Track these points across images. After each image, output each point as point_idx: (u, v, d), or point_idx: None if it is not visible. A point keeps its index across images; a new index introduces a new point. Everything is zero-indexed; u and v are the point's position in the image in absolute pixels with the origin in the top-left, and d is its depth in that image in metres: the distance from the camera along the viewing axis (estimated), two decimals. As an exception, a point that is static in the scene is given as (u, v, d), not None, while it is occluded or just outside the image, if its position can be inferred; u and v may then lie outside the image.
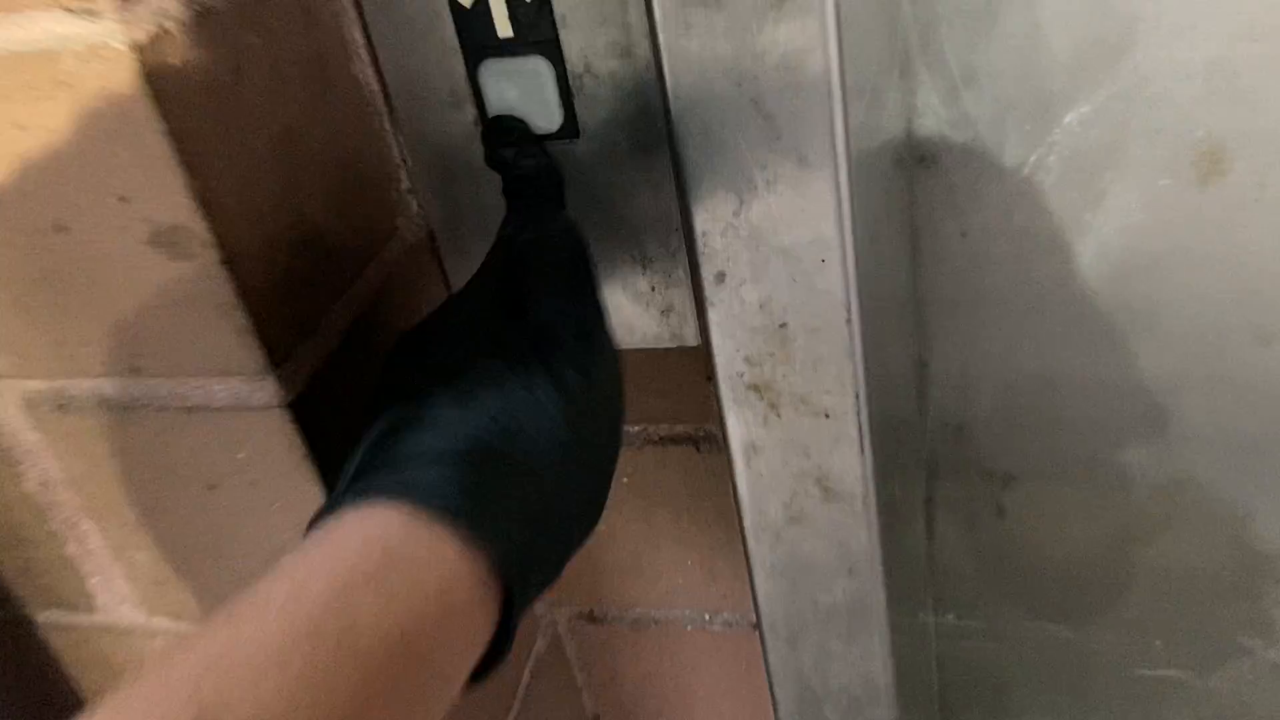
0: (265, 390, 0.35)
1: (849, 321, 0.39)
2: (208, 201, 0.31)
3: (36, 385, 0.37)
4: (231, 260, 0.32)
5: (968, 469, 0.64)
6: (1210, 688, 0.70)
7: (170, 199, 0.31)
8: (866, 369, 0.40)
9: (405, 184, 0.43)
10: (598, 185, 0.41)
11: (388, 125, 0.42)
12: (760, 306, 0.39)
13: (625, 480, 0.52)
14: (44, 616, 0.46)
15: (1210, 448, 0.58)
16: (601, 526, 0.54)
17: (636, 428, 0.50)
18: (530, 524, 0.29)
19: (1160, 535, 0.63)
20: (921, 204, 0.54)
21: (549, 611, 0.58)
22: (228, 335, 0.34)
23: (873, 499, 0.43)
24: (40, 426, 0.38)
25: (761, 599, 0.48)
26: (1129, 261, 0.52)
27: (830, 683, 0.50)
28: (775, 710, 0.53)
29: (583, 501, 0.33)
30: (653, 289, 0.44)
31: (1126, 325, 0.54)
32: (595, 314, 0.35)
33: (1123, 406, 0.57)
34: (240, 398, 0.35)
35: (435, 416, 0.30)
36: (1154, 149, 0.48)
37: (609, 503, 0.52)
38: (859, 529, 0.44)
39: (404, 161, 0.43)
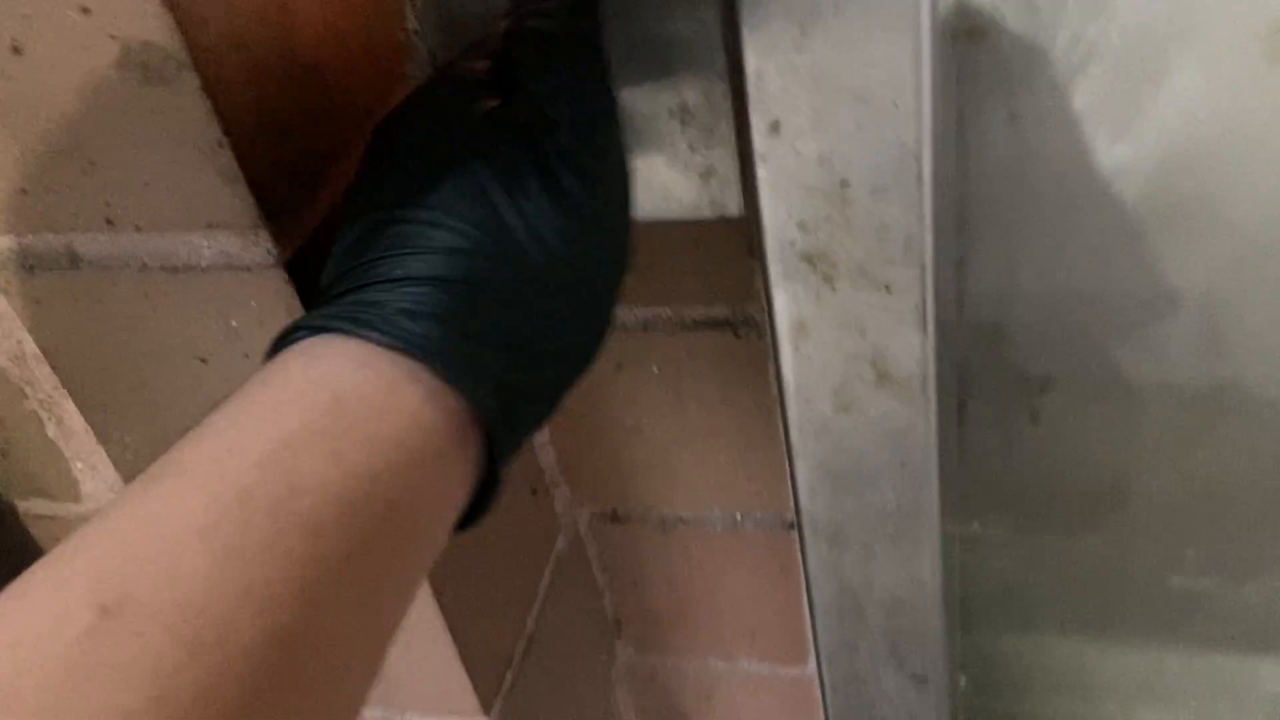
0: (258, 246, 0.31)
1: (920, 179, 0.34)
2: (183, 13, 0.26)
3: (2, 242, 0.33)
4: (214, 89, 0.27)
5: (1003, 373, 0.61)
6: (1243, 598, 0.68)
7: (138, 8, 0.26)
8: (934, 237, 0.36)
9: (413, 24, 0.38)
10: (628, 18, 0.36)
11: (393, -45, 0.37)
12: (819, 162, 0.34)
13: (655, 370, 0.48)
14: (26, 506, 0.42)
15: (1257, 355, 0.54)
16: (628, 420, 0.51)
17: (668, 311, 0.46)
18: (514, 360, 0.25)
19: (1199, 444, 0.60)
20: (968, 83, 0.49)
21: (569, 510, 0.55)
22: (212, 179, 0.29)
23: (933, 384, 0.39)
24: (8, 290, 0.34)
25: (803, 496, 0.44)
26: (1188, 151, 0.48)
27: (874, 585, 0.47)
28: (811, 614, 0.50)
29: (578, 332, 0.28)
30: (691, 148, 0.39)
31: (1180, 223, 0.50)
32: (602, 101, 0.29)
33: (1170, 310, 0.54)
34: (230, 255, 0.31)
35: (404, 234, 0.25)
36: (1222, 24, 0.43)
37: (637, 394, 0.49)
38: (916, 417, 0.40)
39: (413, 2, 0.38)
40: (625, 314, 0.46)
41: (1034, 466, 0.65)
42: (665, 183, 0.40)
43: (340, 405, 0.22)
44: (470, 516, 0.26)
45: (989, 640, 0.75)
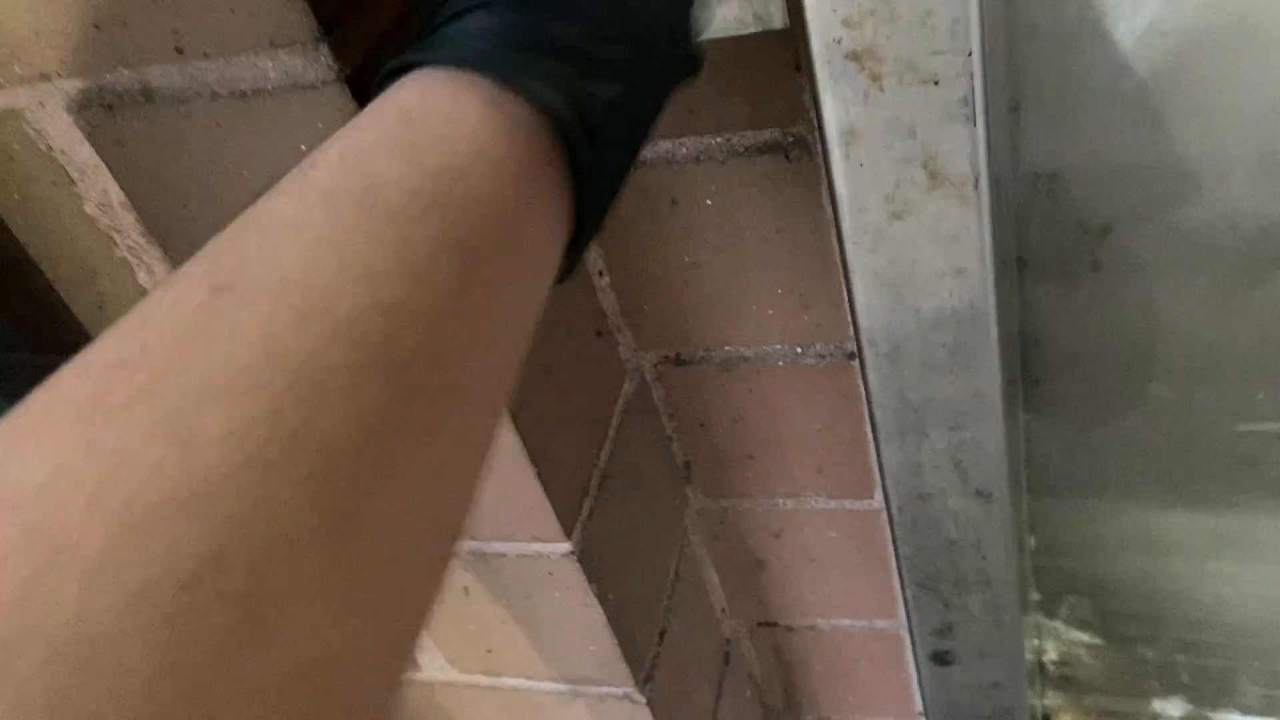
0: (319, 63, 0.32)
1: (963, -40, 0.34)
2: None
3: (79, 84, 0.34)
4: (267, -101, 0.29)
5: (1061, 223, 0.60)
6: (1315, 440, 0.67)
7: None
8: (980, 23, 0.36)
9: None
10: None
11: None
12: (861, -50, 0.34)
13: (709, 203, 0.49)
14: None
15: (1332, 183, 0.53)
16: (685, 257, 0.52)
17: (718, 139, 0.46)
18: (579, 68, 0.25)
19: (1267, 281, 0.59)
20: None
21: (634, 356, 0.57)
22: (272, -4, 0.30)
23: (985, 181, 0.40)
24: (92, 136, 0.36)
25: (860, 313, 0.45)
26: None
27: (935, 400, 0.48)
28: (875, 435, 0.51)
29: (639, 44, 0.27)
30: (733, -40, 0.39)
31: (1245, 46, 0.49)
32: None
33: (1235, 138, 0.52)
34: (294, 74, 0.32)
35: None
36: None
37: (691, 229, 0.50)
38: (969, 218, 0.40)
39: None
40: (675, 147, 0.47)
41: (1096, 317, 0.64)
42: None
43: (408, 117, 0.23)
44: (581, 238, 0.27)
45: (1055, 501, 0.75)
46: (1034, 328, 0.65)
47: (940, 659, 0.62)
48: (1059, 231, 0.61)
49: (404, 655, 0.21)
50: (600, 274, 0.53)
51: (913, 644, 0.64)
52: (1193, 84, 0.50)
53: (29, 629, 0.15)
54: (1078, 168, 0.57)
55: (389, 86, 0.25)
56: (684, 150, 0.47)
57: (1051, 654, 0.89)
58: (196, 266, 0.20)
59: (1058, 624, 0.87)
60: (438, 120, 0.23)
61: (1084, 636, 0.88)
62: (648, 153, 0.48)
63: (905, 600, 0.61)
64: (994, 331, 0.44)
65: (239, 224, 0.21)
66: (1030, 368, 0.68)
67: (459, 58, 0.24)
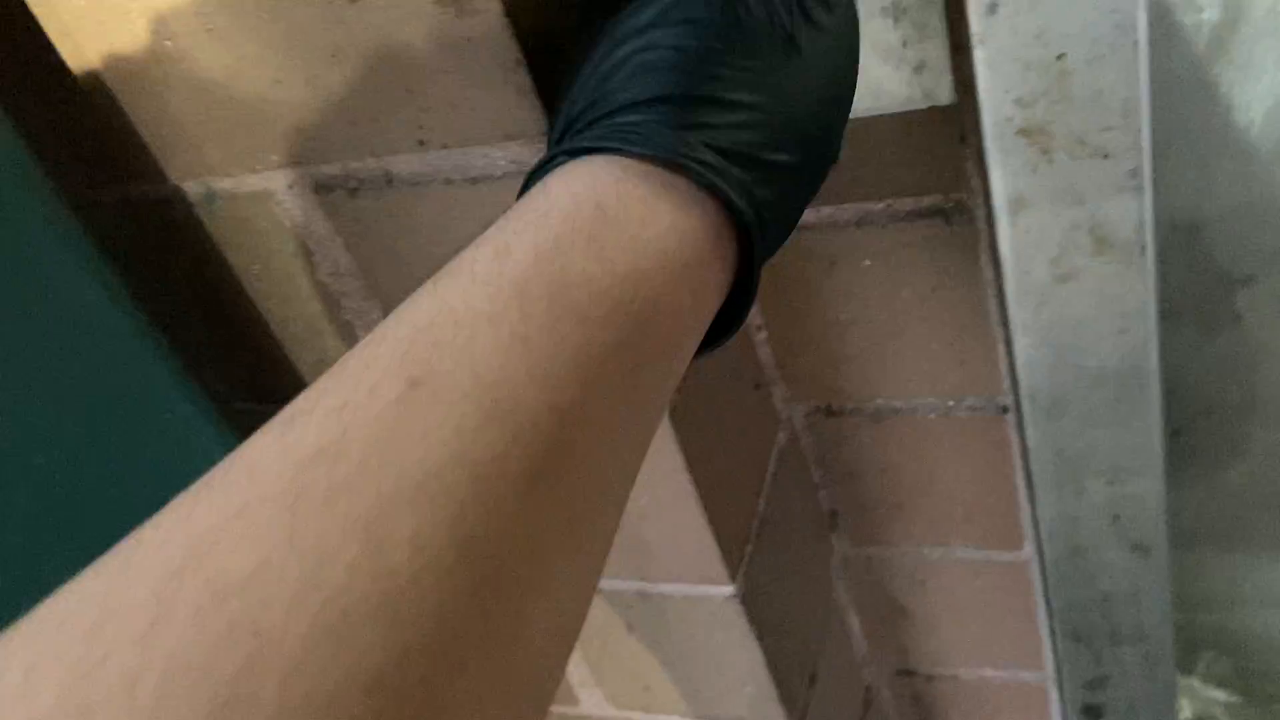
0: (543, 152, 0.36)
1: (1135, 45, 0.36)
2: (490, -49, 0.31)
3: (329, 170, 0.39)
4: (513, 14, 0.33)
5: (1203, 273, 0.60)
6: None
7: (456, -51, 0.31)
8: (1149, 100, 0.38)
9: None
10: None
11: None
12: (1036, 37, 0.37)
13: (867, 263, 0.51)
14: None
15: None
16: (842, 315, 0.54)
17: (881, 205, 0.49)
18: (758, 174, 0.26)
19: None
20: None
21: (786, 407, 0.59)
22: (510, 96, 0.34)
23: (1150, 246, 0.41)
24: (332, 214, 0.41)
25: (1021, 369, 0.47)
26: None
27: (1095, 454, 0.49)
28: (1030, 488, 0.52)
29: (808, 152, 0.28)
30: (904, 44, 0.42)
31: None
32: None
33: None
34: (521, 163, 0.36)
35: (648, 60, 0.26)
36: None
37: (849, 288, 0.52)
38: (1134, 280, 0.42)
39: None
40: (838, 212, 0.50)
41: (1238, 370, 0.64)
42: (878, 79, 0.43)
43: (603, 212, 0.23)
44: (726, 327, 0.28)
45: (1195, 555, 0.74)
46: (1172, 378, 0.65)
47: (1091, 712, 0.62)
48: (1200, 282, 0.61)
49: None
50: (758, 329, 0.56)
51: (1061, 696, 0.64)
52: None
53: None
54: (1218, 220, 0.58)
55: (571, 164, 0.25)
56: (845, 215, 0.50)
57: (1187, 712, 0.87)
58: (392, 352, 0.20)
59: (1194, 681, 0.85)
60: (633, 220, 0.24)
61: (1221, 695, 0.86)
62: (809, 216, 0.50)
63: (1055, 652, 0.61)
64: (1156, 387, 0.46)
65: (433, 306, 0.22)
66: (1168, 418, 0.68)
67: (657, 151, 0.24)
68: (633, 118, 0.25)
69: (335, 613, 0.17)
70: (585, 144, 0.25)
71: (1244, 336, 0.62)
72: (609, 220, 0.23)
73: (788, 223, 0.29)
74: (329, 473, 0.18)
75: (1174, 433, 0.68)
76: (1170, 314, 0.62)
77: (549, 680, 0.21)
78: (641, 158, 0.25)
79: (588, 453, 0.21)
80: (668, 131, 0.25)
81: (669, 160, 0.24)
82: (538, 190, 0.25)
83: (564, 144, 0.26)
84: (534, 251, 0.22)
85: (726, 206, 0.26)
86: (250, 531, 0.17)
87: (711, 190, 0.25)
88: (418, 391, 0.19)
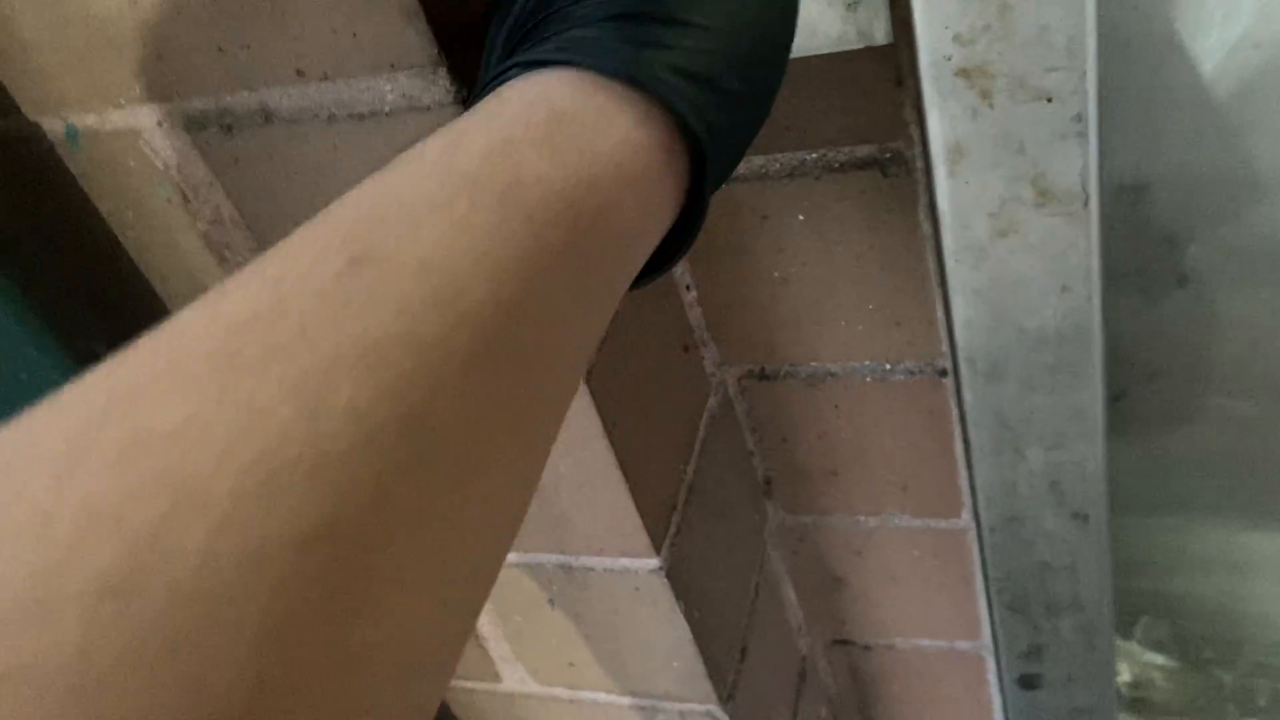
0: (437, 85, 0.32)
1: (1082, -25, 0.33)
2: None
3: (200, 104, 0.35)
4: (394, -76, 0.29)
5: (1147, 236, 0.59)
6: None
7: None
8: (1096, 38, 0.35)
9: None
10: None
11: None
12: (976, -34, 0.34)
13: (801, 218, 0.48)
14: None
15: None
16: (775, 272, 0.52)
17: (814, 155, 0.46)
18: (708, 95, 0.26)
19: None
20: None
21: (718, 370, 0.56)
22: (395, 20, 0.31)
23: (1094, 198, 0.39)
24: (208, 155, 0.37)
25: (959, 330, 0.45)
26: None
27: (1034, 419, 0.47)
28: (967, 454, 0.50)
29: (756, 81, 0.28)
30: (838, -23, 0.39)
31: None
32: None
33: None
34: (411, 96, 0.33)
35: None
36: None
37: (782, 244, 0.50)
38: (1079, 236, 0.40)
39: None
40: (769, 163, 0.47)
41: (1180, 332, 0.63)
42: (810, 16, 0.40)
43: (559, 119, 0.23)
44: (671, 253, 0.28)
45: (1133, 521, 0.73)
46: (1115, 342, 0.64)
47: (1027, 683, 0.61)
48: (1144, 245, 0.60)
49: (465, 642, 0.21)
50: (687, 288, 0.53)
51: (998, 666, 0.63)
52: (1271, 111, 0.49)
53: (153, 570, 0.15)
54: (1164, 180, 0.56)
55: (525, 75, 0.25)
56: (777, 166, 0.47)
57: (1125, 676, 0.87)
58: (333, 231, 0.20)
59: (1133, 645, 0.85)
60: (588, 128, 0.24)
61: (1159, 659, 0.86)
62: (741, 168, 0.47)
63: (992, 622, 0.60)
64: (1099, 350, 0.44)
65: (378, 191, 0.21)
66: (1110, 383, 0.67)
67: (610, 66, 0.25)
68: (590, 33, 0.26)
69: (266, 470, 0.16)
70: (541, 56, 0.25)
71: (1189, 300, 0.61)
72: (564, 126, 0.23)
73: (735, 153, 0.29)
74: (264, 338, 0.18)
75: (1115, 397, 0.67)
76: (1114, 277, 0.61)
77: (481, 573, 0.21)
78: (600, 71, 0.25)
79: (531, 346, 0.21)
80: (626, 47, 0.25)
81: (627, 75, 0.25)
82: (492, 96, 0.25)
83: (515, 57, 0.26)
84: (486, 147, 0.22)
85: (680, 125, 0.25)
86: (178, 387, 0.17)
87: (667, 107, 0.25)
88: (361, 269, 0.19)
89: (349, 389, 0.18)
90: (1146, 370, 0.66)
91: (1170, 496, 0.72)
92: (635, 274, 0.26)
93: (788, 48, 0.30)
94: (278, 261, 0.20)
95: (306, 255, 0.20)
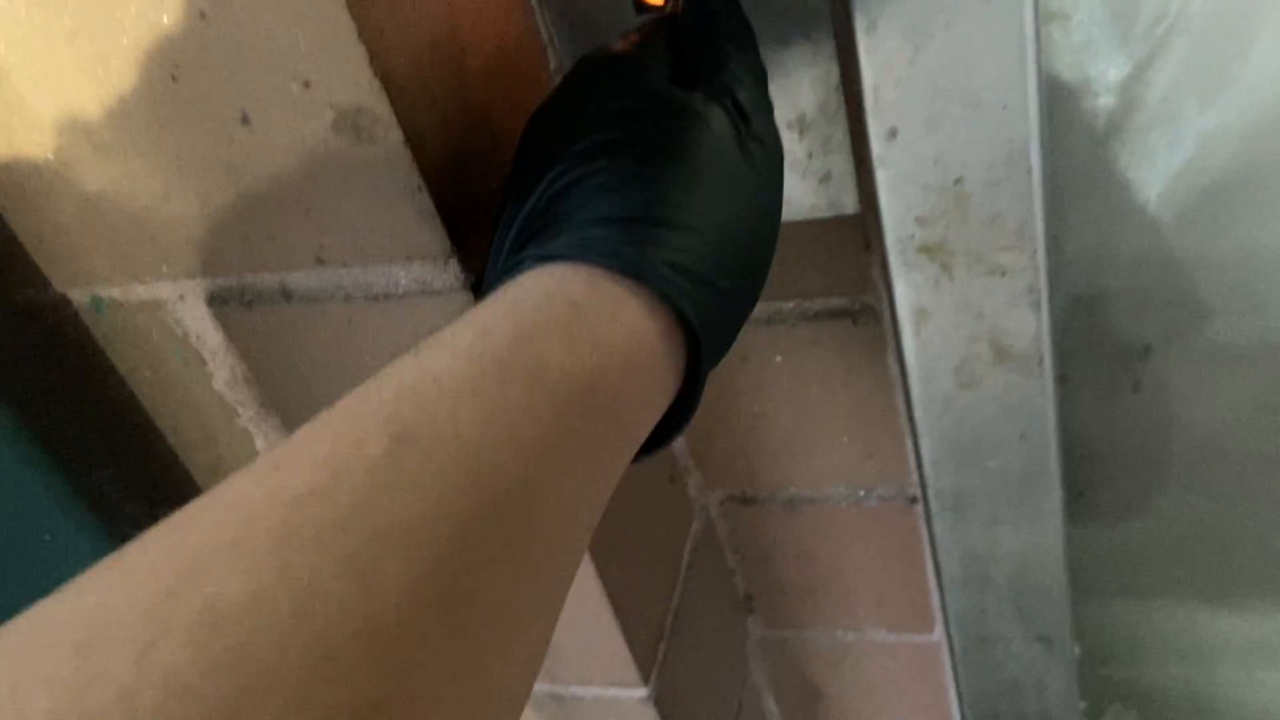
0: (448, 273, 0.35)
1: (1030, 171, 0.37)
2: (389, 81, 0.31)
3: (223, 283, 0.38)
4: (414, 141, 0.32)
5: (1103, 343, 0.62)
6: (1359, 556, 0.67)
7: (354, 80, 0.31)
8: (1045, 220, 0.39)
9: (553, 64, 0.42)
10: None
11: (533, 2, 0.41)
12: (935, 162, 0.37)
13: (779, 359, 0.52)
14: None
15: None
16: (755, 407, 0.55)
17: (790, 304, 0.49)
18: (703, 292, 0.29)
19: None
20: (1052, 60, 0.51)
21: (701, 494, 0.59)
22: (411, 218, 0.34)
23: (1049, 358, 0.42)
24: (227, 327, 0.40)
25: (928, 470, 0.48)
26: (1275, 116, 0.49)
27: (999, 550, 0.50)
28: (939, 582, 0.53)
29: (747, 279, 0.31)
30: (810, 155, 0.43)
31: (1273, 187, 0.51)
32: (766, 84, 0.33)
33: (1269, 273, 0.55)
34: (424, 282, 0.36)
35: (602, 182, 0.29)
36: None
37: (761, 382, 0.53)
38: (1034, 390, 0.43)
39: (551, 41, 0.42)
40: (749, 310, 0.50)
41: (1138, 435, 0.66)
42: (786, 188, 0.44)
43: (576, 310, 0.26)
44: (668, 433, 0.30)
45: (1100, 609, 0.76)
46: (1074, 441, 0.67)
47: (1002, 793, 0.63)
48: (1100, 352, 0.63)
49: None
50: (671, 421, 0.56)
51: (973, 776, 0.65)
52: (1234, 217, 0.53)
53: None
54: (1117, 290, 0.59)
55: (540, 267, 0.27)
56: (757, 312, 0.50)
57: (1097, 764, 0.89)
58: (377, 410, 0.22)
59: (1103, 733, 0.87)
60: (601, 318, 0.26)
61: (1127, 746, 0.87)
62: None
63: (966, 734, 0.62)
64: (1058, 490, 0.47)
65: (416, 373, 0.23)
66: (1073, 480, 0.70)
67: (618, 264, 0.27)
68: (598, 232, 0.28)
69: (326, 647, 0.17)
70: (555, 251, 0.28)
71: (1143, 403, 0.64)
72: (580, 317, 0.26)
73: (727, 340, 0.31)
74: (319, 514, 0.19)
75: (1078, 493, 0.70)
76: (1072, 381, 0.64)
77: (517, 709, 0.23)
78: (609, 268, 0.27)
79: (551, 521, 0.23)
80: (631, 247, 0.27)
81: (634, 272, 0.27)
82: (512, 284, 0.27)
83: (528, 250, 0.29)
84: (514, 334, 0.24)
85: (680, 318, 0.28)
86: (243, 563, 0.18)
87: (669, 302, 0.27)
88: (404, 448, 0.21)
89: (399, 565, 0.19)
90: (1106, 469, 0.68)
91: (1134, 586, 0.74)
92: (635, 450, 0.28)
93: (773, 248, 0.33)
94: (328, 439, 0.21)
95: (352, 434, 0.21)
